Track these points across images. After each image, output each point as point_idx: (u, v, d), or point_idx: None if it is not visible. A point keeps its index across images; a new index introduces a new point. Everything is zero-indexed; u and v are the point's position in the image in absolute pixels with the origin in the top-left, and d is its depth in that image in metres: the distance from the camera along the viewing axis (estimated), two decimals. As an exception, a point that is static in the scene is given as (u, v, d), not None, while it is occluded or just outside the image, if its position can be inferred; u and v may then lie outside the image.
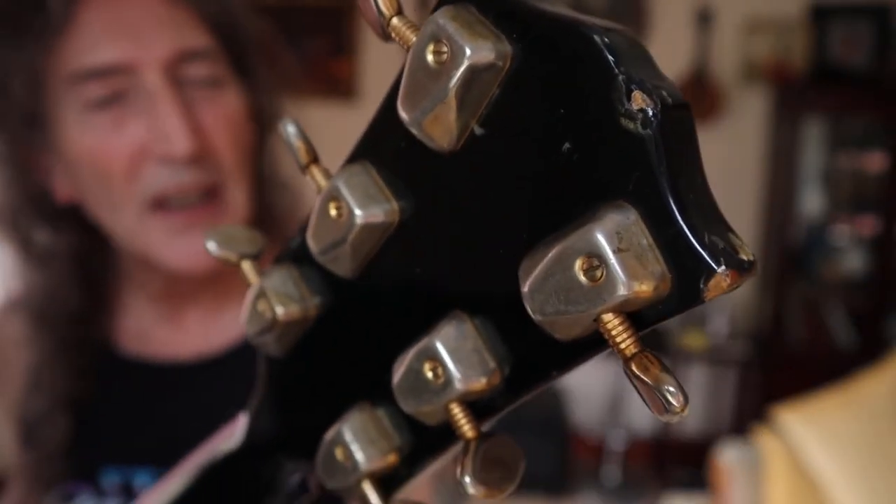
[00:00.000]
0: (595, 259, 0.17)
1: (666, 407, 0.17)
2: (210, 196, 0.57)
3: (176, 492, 0.31)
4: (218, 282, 0.64)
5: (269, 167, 0.66)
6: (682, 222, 0.17)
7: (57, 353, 0.61)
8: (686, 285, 0.17)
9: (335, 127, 3.41)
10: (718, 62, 3.20)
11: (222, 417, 0.59)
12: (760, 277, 3.21)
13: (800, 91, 2.97)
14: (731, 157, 3.25)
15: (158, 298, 0.65)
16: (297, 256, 0.25)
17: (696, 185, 0.18)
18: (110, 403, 0.64)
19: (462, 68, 0.19)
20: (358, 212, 0.22)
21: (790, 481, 1.96)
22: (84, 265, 0.62)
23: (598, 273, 0.17)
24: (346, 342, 0.25)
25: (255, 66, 0.63)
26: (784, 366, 2.98)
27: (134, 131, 0.54)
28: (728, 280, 0.17)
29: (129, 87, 0.55)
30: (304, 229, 0.25)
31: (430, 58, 0.19)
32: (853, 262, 3.15)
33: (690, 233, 0.17)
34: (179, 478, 0.32)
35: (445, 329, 0.21)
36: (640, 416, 3.42)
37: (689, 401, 0.17)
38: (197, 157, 0.55)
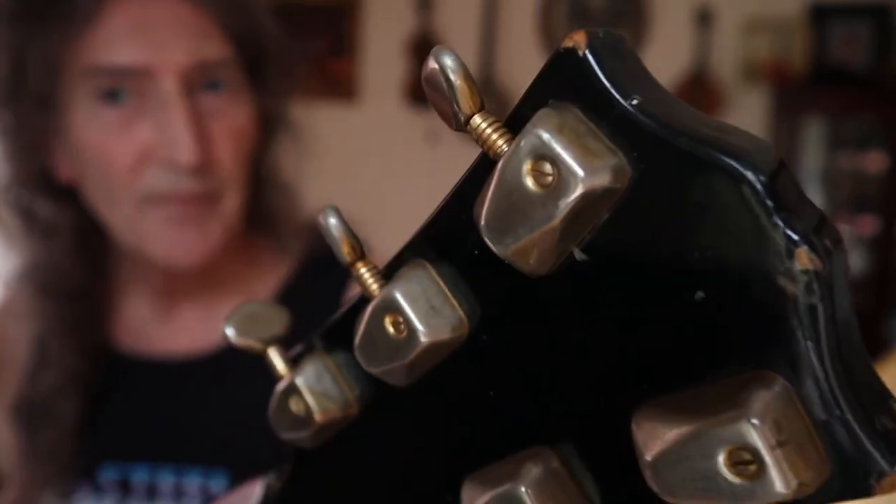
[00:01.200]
0: (746, 453, 0.14)
1: None
2: (206, 201, 0.59)
3: None
4: (211, 279, 0.65)
5: (269, 170, 0.66)
6: (847, 409, 0.14)
7: (63, 326, 0.62)
8: (850, 478, 0.14)
9: (336, 127, 3.41)
10: (718, 62, 3.20)
11: (217, 414, 0.62)
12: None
13: (799, 91, 2.97)
14: (731, 158, 3.25)
15: (154, 294, 0.66)
16: (334, 342, 0.23)
17: (856, 352, 0.15)
18: (107, 400, 0.64)
19: (574, 197, 0.15)
20: (421, 329, 0.19)
21: (791, 482, 1.96)
22: (86, 241, 0.62)
23: (751, 469, 0.14)
24: (392, 449, 0.22)
25: (270, 75, 0.64)
26: (784, 366, 2.98)
27: (142, 133, 0.56)
28: None
29: (145, 88, 0.56)
30: (345, 316, 0.22)
31: (528, 179, 0.16)
32: (853, 261, 3.15)
33: (857, 422, 0.14)
34: None
35: (532, 471, 0.18)
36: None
37: None
38: (200, 167, 0.56)
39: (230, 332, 0.24)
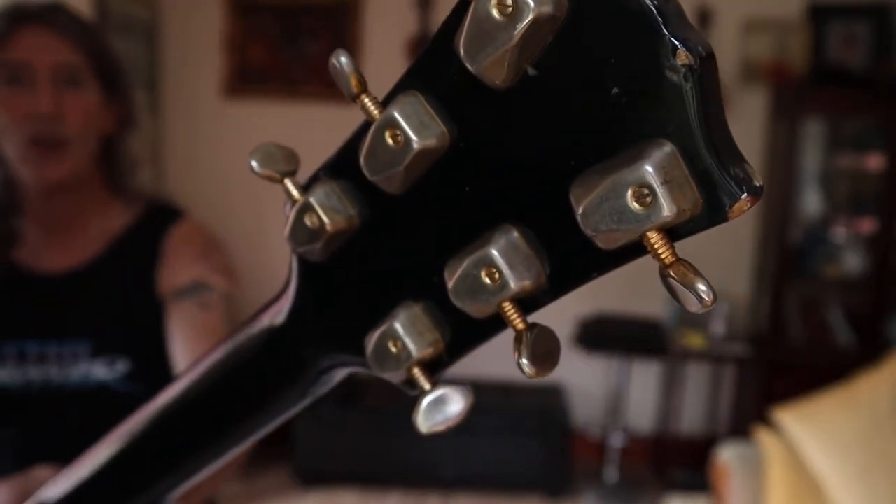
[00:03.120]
0: (645, 188, 0.21)
1: (699, 301, 0.22)
2: (60, 142, 0.93)
3: (219, 357, 0.35)
4: (78, 216, 0.99)
5: (119, 148, 1.02)
6: (712, 158, 0.21)
7: None
8: (715, 208, 0.21)
9: (336, 127, 3.40)
10: (718, 63, 3.20)
11: (83, 306, 0.97)
12: (759, 278, 3.22)
13: (798, 92, 2.98)
14: (731, 158, 3.26)
15: (39, 226, 0.99)
16: (336, 172, 0.28)
17: (722, 125, 0.22)
18: (8, 299, 0.98)
19: (526, 21, 0.21)
20: (414, 138, 0.24)
21: (790, 481, 1.96)
22: (6, 184, 0.96)
23: (648, 200, 0.21)
24: (388, 249, 0.28)
25: (117, 87, 0.99)
26: (783, 366, 2.98)
27: (27, 100, 0.92)
28: (748, 204, 0.21)
29: (31, 76, 0.93)
30: (344, 149, 0.28)
31: (494, 10, 0.22)
32: (852, 262, 3.15)
33: (718, 167, 0.21)
34: (223, 346, 0.35)
35: (499, 239, 0.24)
36: (640, 416, 3.42)
37: (717, 297, 0.22)
38: (53, 117, 0.92)
39: (254, 163, 0.29)
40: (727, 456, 2.13)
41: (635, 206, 0.21)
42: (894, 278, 2.97)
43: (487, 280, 0.25)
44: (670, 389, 3.25)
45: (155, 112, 3.42)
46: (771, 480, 1.98)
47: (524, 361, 0.25)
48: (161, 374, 0.94)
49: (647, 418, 3.43)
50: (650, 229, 0.21)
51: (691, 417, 3.35)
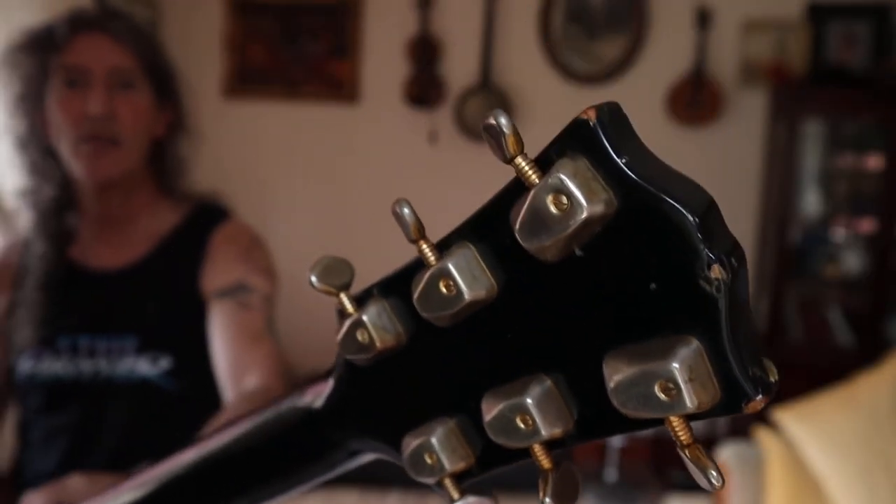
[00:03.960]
0: (671, 383, 0.23)
1: (710, 485, 0.25)
2: (110, 141, 0.98)
3: (252, 424, 0.37)
4: (128, 215, 1.04)
5: (170, 150, 1.08)
6: (734, 362, 0.24)
7: (44, 235, 1.03)
8: (732, 404, 0.24)
9: (336, 127, 3.40)
10: (717, 63, 3.20)
11: (131, 303, 1.03)
12: (759, 277, 3.22)
13: (798, 92, 2.98)
14: (730, 158, 3.25)
15: (92, 224, 1.04)
16: (389, 292, 0.30)
17: (747, 328, 0.24)
18: (64, 293, 1.02)
19: (580, 219, 0.24)
20: (466, 291, 0.27)
21: (790, 481, 1.96)
22: (63, 183, 1.02)
23: (673, 393, 0.24)
24: (431, 370, 0.31)
25: (170, 91, 1.05)
26: (783, 365, 2.96)
27: (81, 102, 0.97)
28: (762, 403, 0.24)
29: (86, 79, 0.98)
30: (400, 273, 0.30)
31: (551, 205, 0.24)
32: (852, 262, 3.15)
33: (739, 370, 0.24)
34: (258, 414, 0.37)
35: (534, 389, 0.27)
36: (640, 417, 3.42)
37: (725, 481, 0.24)
38: (104, 117, 0.96)
39: (313, 278, 0.31)
40: (727, 456, 2.13)
41: (661, 395, 0.24)
42: (894, 278, 2.97)
43: (521, 425, 0.27)
44: (670, 389, 3.25)
45: (155, 112, 3.42)
46: (770, 480, 1.98)
47: (547, 500, 0.28)
48: (202, 372, 0.98)
49: (646, 418, 3.43)
50: (672, 416, 0.24)
51: (691, 417, 3.35)
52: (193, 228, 1.06)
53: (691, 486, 2.85)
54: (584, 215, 0.24)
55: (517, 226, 0.25)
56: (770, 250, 3.07)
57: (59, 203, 1.02)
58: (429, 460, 0.30)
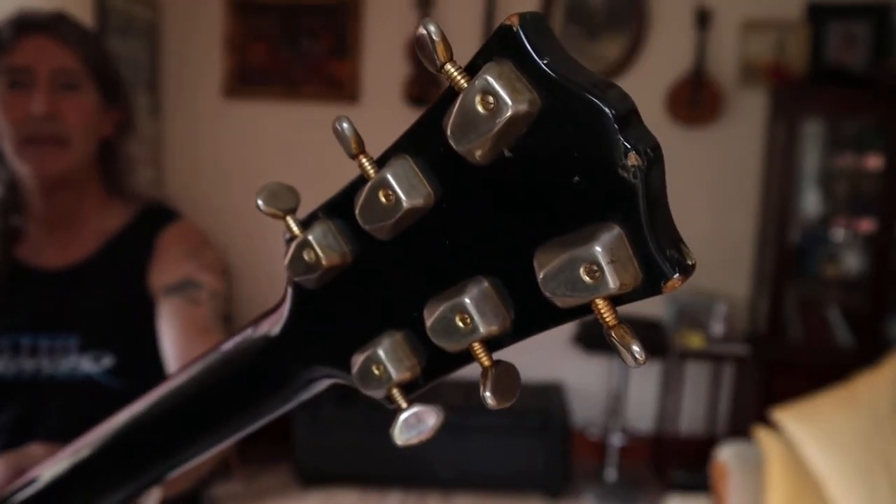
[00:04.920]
0: (594, 265, 0.25)
1: (633, 360, 0.26)
2: (55, 140, 0.98)
3: (212, 359, 0.38)
4: (75, 215, 1.04)
5: (118, 150, 1.07)
6: (652, 244, 0.25)
7: None
8: (651, 283, 0.26)
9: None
10: (717, 63, 3.20)
11: (74, 302, 1.01)
12: (759, 278, 3.22)
13: (798, 92, 2.98)
14: (730, 158, 3.26)
15: (39, 224, 1.04)
16: (333, 213, 0.32)
17: (663, 212, 0.26)
18: (8, 293, 1.03)
19: (505, 117, 0.25)
20: (404, 198, 0.28)
21: (790, 481, 1.97)
22: (9, 184, 1.03)
23: (597, 275, 0.25)
24: (375, 285, 0.32)
25: (115, 93, 1.04)
26: (783, 366, 2.99)
27: (26, 102, 0.97)
28: (679, 282, 0.26)
29: (30, 80, 0.98)
30: (342, 194, 0.32)
31: (479, 105, 0.26)
32: (851, 262, 3.15)
33: (657, 252, 0.25)
34: (217, 350, 0.38)
35: (472, 290, 0.28)
36: (640, 416, 3.42)
37: (648, 358, 0.26)
38: (49, 116, 0.96)
39: (260, 201, 0.32)
40: (727, 456, 2.13)
41: (587, 279, 0.25)
42: (893, 278, 2.97)
43: (460, 324, 0.29)
44: (670, 389, 3.26)
45: (155, 112, 3.43)
46: (770, 480, 1.98)
47: (487, 394, 0.29)
48: (147, 370, 0.98)
49: (646, 418, 3.43)
50: (598, 298, 0.26)
51: (691, 417, 3.35)
52: (142, 228, 1.05)
53: (691, 486, 2.85)
54: (510, 113, 0.25)
55: (449, 129, 0.26)
56: (770, 250, 3.07)
57: (4, 204, 1.03)
58: (376, 371, 0.31)
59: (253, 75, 3.42)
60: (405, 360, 0.31)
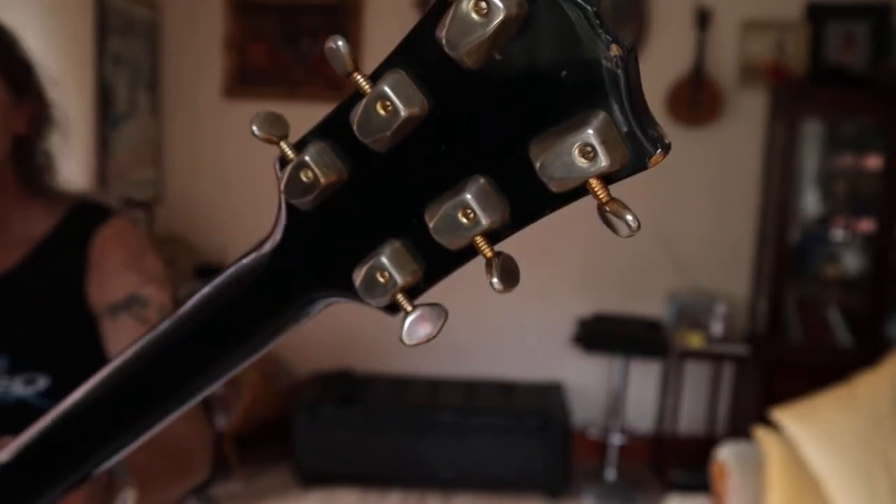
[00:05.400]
0: (588, 147, 0.28)
1: (628, 227, 0.28)
2: None
3: (206, 292, 0.39)
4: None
5: (36, 148, 0.97)
6: (635, 125, 0.28)
7: None
8: (638, 160, 0.28)
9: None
10: (717, 63, 3.20)
11: (3, 316, 0.93)
12: (759, 278, 3.22)
13: (797, 92, 2.98)
14: (730, 158, 3.26)
15: None
16: (325, 135, 0.33)
17: (640, 98, 0.29)
18: None
19: (498, 20, 0.27)
20: (402, 107, 0.30)
21: (789, 481, 1.97)
22: None
23: (591, 155, 0.28)
24: (372, 198, 0.33)
25: (28, 88, 0.95)
26: (783, 366, 2.99)
27: None
28: (661, 157, 0.28)
29: None
30: (333, 115, 0.33)
31: (472, 12, 0.28)
32: (851, 262, 3.16)
33: (640, 132, 0.28)
34: (211, 283, 0.39)
35: (471, 187, 0.30)
36: (640, 416, 3.43)
37: (640, 225, 0.29)
38: None
39: (255, 127, 0.34)
40: (726, 456, 2.13)
41: (582, 160, 0.28)
42: (893, 278, 2.97)
43: (464, 219, 0.31)
44: (670, 389, 3.26)
45: (155, 112, 3.43)
46: (770, 480, 1.98)
47: (495, 280, 0.31)
48: None
49: (646, 418, 3.43)
50: (592, 176, 0.28)
51: (691, 417, 3.36)
52: (71, 232, 0.96)
53: (691, 486, 2.85)
54: (503, 15, 0.27)
55: (444, 37, 0.28)
56: (770, 250, 3.08)
57: None
58: (381, 278, 0.33)
59: (253, 75, 3.42)
60: (408, 265, 0.33)
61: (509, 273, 0.31)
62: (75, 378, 0.86)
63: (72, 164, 2.93)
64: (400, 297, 0.33)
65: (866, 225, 3.06)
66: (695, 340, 3.07)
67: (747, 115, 3.22)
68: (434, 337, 0.33)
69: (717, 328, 3.15)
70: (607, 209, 0.28)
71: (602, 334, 3.16)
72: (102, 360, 0.88)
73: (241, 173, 3.46)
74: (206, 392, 0.41)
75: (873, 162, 3.04)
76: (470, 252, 0.32)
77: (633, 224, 0.28)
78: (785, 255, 3.03)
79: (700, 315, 3.18)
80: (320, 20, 3.37)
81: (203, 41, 3.44)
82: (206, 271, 3.41)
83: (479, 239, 0.31)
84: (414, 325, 0.33)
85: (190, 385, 0.41)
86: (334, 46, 0.32)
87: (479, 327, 3.30)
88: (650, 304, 3.32)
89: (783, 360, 3.00)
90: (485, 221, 0.30)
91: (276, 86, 3.42)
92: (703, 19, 3.14)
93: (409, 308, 0.33)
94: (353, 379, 3.35)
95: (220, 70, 3.44)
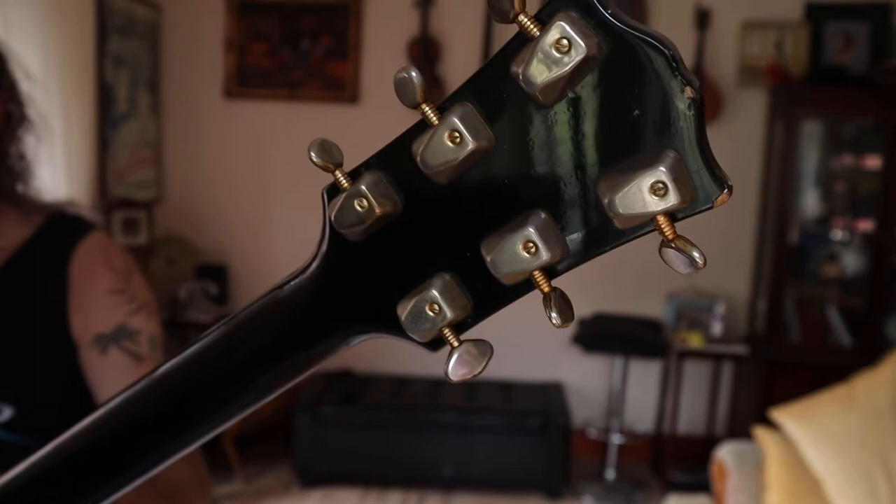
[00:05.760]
0: (660, 184, 0.28)
1: (694, 264, 0.28)
2: None
3: (239, 320, 0.37)
4: None
5: (10, 152, 0.89)
6: (703, 163, 0.29)
7: None
8: (704, 199, 0.29)
9: (336, 128, 3.41)
10: (717, 64, 3.21)
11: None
12: (758, 278, 3.22)
13: (797, 92, 2.98)
14: (730, 159, 3.26)
15: None
16: (382, 164, 0.33)
17: (706, 141, 0.29)
18: None
19: (579, 59, 0.28)
20: (471, 140, 0.30)
21: (788, 480, 1.97)
22: None
23: (662, 192, 0.28)
24: (425, 230, 0.33)
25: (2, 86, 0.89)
26: (782, 365, 2.99)
27: None
28: (727, 197, 0.29)
29: None
30: (392, 146, 0.33)
31: (553, 49, 0.28)
32: (850, 262, 3.16)
33: (708, 170, 0.29)
34: (243, 311, 0.37)
35: (534, 220, 0.31)
36: (640, 416, 3.43)
37: (706, 262, 0.29)
38: None
39: (312, 154, 0.33)
40: (726, 455, 2.13)
41: (653, 197, 0.28)
42: (892, 278, 2.98)
43: (525, 253, 0.31)
44: (669, 389, 3.26)
45: (155, 112, 3.43)
46: (769, 479, 1.99)
47: (554, 315, 0.31)
48: (53, 424, 0.75)
49: (646, 418, 3.43)
50: (661, 213, 0.29)
51: (690, 417, 3.36)
52: (47, 246, 0.87)
53: (691, 486, 2.85)
54: (584, 54, 0.28)
55: (521, 72, 0.29)
56: (769, 250, 3.08)
57: None
58: (430, 312, 0.33)
59: (253, 75, 3.42)
60: (458, 299, 0.33)
61: (566, 309, 0.31)
62: (43, 409, 0.78)
63: (72, 164, 2.92)
64: (447, 331, 0.33)
65: (865, 225, 3.07)
66: (694, 340, 3.08)
67: (747, 115, 3.23)
68: (479, 374, 0.33)
69: (716, 328, 3.16)
70: (673, 245, 0.29)
71: (602, 334, 3.17)
72: (76, 391, 0.83)
73: (242, 173, 3.47)
74: (221, 428, 0.39)
75: (872, 162, 3.04)
76: (523, 287, 0.32)
77: (700, 261, 0.28)
78: (784, 255, 3.03)
79: (699, 315, 3.19)
80: (320, 20, 3.37)
81: (203, 41, 3.45)
82: (206, 271, 3.41)
83: (537, 273, 0.31)
84: (460, 361, 0.33)
85: (207, 421, 0.39)
86: (406, 76, 0.31)
87: (479, 327, 3.30)
88: (650, 304, 3.32)
89: (783, 359, 3.01)
90: (546, 256, 0.30)
91: (276, 86, 3.42)
92: (702, 19, 3.14)
93: (455, 343, 0.33)
94: (354, 379, 3.35)
95: (220, 70, 3.45)
